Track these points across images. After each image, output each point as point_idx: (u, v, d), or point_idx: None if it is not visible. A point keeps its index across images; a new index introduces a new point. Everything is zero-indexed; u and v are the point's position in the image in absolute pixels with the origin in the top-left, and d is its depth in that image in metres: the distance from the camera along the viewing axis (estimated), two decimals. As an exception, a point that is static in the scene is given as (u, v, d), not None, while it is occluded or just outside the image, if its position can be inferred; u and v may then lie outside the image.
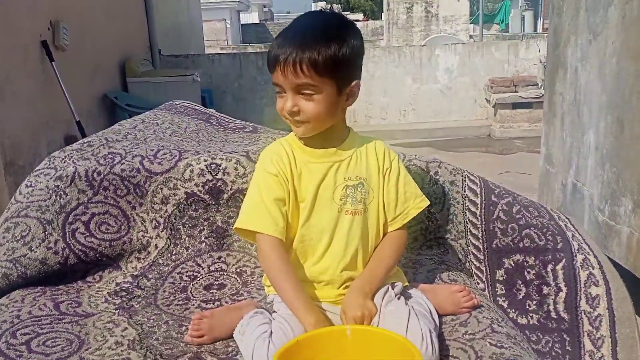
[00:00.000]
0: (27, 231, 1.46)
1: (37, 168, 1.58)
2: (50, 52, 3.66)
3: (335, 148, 1.20)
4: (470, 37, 11.54)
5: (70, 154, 1.60)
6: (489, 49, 6.91)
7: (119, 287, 1.47)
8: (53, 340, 1.20)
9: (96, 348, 1.19)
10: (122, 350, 1.18)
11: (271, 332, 1.05)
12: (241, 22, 21.81)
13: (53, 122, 3.85)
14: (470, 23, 12.82)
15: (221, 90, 6.70)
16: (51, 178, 1.53)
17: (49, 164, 1.57)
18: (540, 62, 6.32)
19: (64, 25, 3.85)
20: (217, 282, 1.48)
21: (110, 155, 1.59)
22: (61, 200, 1.51)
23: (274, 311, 1.17)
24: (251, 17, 25.59)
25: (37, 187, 1.52)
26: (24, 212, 1.49)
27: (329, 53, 1.10)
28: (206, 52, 8.90)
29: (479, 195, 1.56)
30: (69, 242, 1.48)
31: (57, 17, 3.85)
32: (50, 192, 1.51)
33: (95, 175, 1.54)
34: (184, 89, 5.09)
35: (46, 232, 1.47)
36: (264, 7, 30.48)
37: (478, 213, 1.54)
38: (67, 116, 3.94)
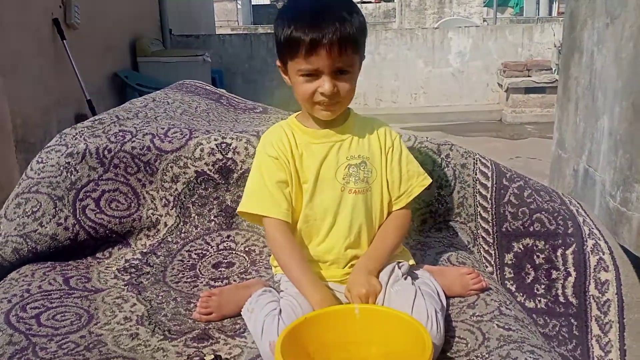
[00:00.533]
0: (38, 207, 1.47)
1: (48, 144, 1.59)
2: (61, 30, 3.66)
3: (336, 128, 1.20)
4: (484, 20, 11.39)
5: (81, 131, 1.61)
6: (503, 32, 6.82)
7: (128, 264, 1.48)
8: (62, 315, 1.22)
9: (105, 323, 1.20)
10: (130, 326, 1.19)
11: (280, 310, 1.06)
12: (252, 3, 21.63)
13: (64, 100, 3.86)
14: (484, 6, 12.64)
15: (231, 71, 6.68)
16: (62, 155, 1.54)
17: (60, 141, 1.58)
18: (555, 46, 6.23)
19: (75, 3, 3.84)
20: (225, 261, 1.49)
21: (121, 133, 1.59)
22: (72, 176, 1.52)
23: (282, 290, 1.18)
24: (262, -2, 25.37)
25: (48, 163, 1.53)
26: (34, 188, 1.50)
27: (359, 27, 1.09)
28: (217, 33, 8.85)
29: (490, 179, 1.55)
30: (79, 218, 1.49)
31: (68, -5, 3.83)
32: (61, 168, 1.52)
33: (105, 152, 1.54)
34: (195, 69, 5.07)
35: (57, 208, 1.48)
36: (275, -12, 30.18)
37: (489, 196, 1.53)
38: (78, 95, 3.95)
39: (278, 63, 1.18)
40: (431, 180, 1.28)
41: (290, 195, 1.18)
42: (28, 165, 1.57)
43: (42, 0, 3.61)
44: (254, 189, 1.20)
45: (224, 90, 2.46)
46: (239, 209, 1.22)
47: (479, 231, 1.55)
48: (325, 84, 1.08)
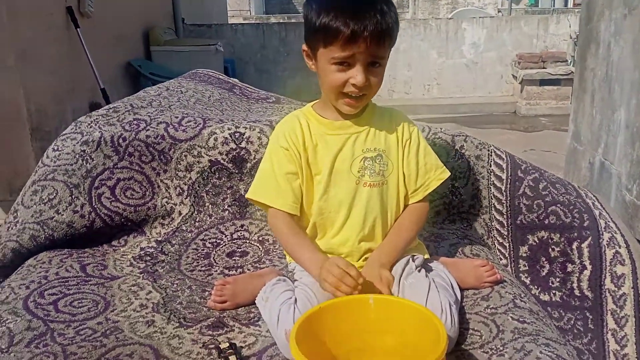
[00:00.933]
0: (55, 194, 1.48)
1: (63, 132, 1.60)
2: (75, 18, 3.66)
3: (353, 119, 1.18)
4: (499, 11, 11.26)
5: (96, 119, 1.62)
6: (518, 23, 6.74)
7: (143, 252, 1.49)
8: (79, 301, 1.23)
9: (121, 310, 1.21)
10: (146, 313, 1.20)
11: (296, 299, 1.06)
12: (264, -8, 21.54)
13: (78, 89, 3.88)
14: (499, -4, 12.49)
15: (244, 61, 6.67)
16: (77, 142, 1.55)
17: (75, 129, 1.59)
18: (571, 37, 6.15)
19: (89, -8, 3.85)
20: (239, 250, 1.50)
21: (135, 122, 1.60)
22: (87, 164, 1.53)
23: (296, 279, 1.18)
24: (275, -12, 25.23)
25: (64, 151, 1.54)
26: (51, 176, 1.51)
27: (395, 20, 1.08)
28: (229, 22, 8.83)
29: (504, 171, 1.53)
30: (95, 206, 1.51)
31: (82, -17, 3.84)
32: (77, 156, 1.53)
33: (120, 140, 1.55)
34: (207, 58, 5.06)
35: (73, 196, 1.49)
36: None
37: (503, 188, 1.52)
38: (91, 83, 3.96)
39: (305, 47, 1.16)
40: (449, 174, 1.26)
41: (300, 188, 1.17)
42: (43, 153, 1.58)
43: (57, -11, 3.62)
44: (263, 178, 1.20)
45: (236, 80, 2.46)
46: (247, 194, 1.23)
47: (493, 223, 1.55)
48: (358, 75, 1.07)
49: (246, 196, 1.24)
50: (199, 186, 1.59)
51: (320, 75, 1.14)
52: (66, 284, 1.29)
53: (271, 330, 1.07)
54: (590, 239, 1.37)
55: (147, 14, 5.27)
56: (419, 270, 1.15)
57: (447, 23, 6.92)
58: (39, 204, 1.47)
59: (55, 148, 1.56)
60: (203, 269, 1.41)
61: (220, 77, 2.39)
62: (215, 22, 7.45)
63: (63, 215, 1.47)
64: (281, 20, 11.00)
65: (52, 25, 3.59)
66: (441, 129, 1.63)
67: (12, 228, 1.46)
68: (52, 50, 3.56)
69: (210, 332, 1.13)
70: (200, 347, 1.07)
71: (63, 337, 1.10)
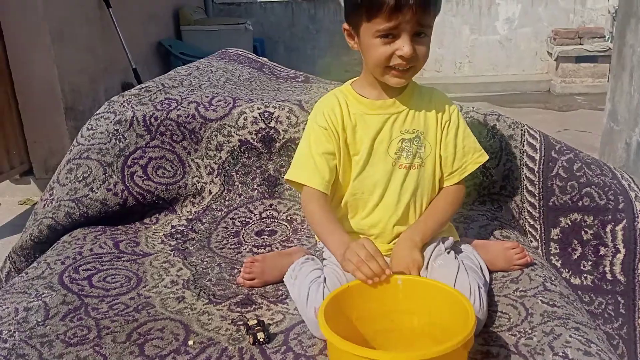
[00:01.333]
0: (89, 173, 1.52)
1: (97, 112, 1.63)
2: (107, -2, 3.71)
3: (393, 99, 1.16)
4: (534, -15, 10.90)
5: (129, 98, 1.64)
6: (554, -3, 6.51)
7: (174, 230, 1.52)
8: (113, 277, 1.27)
9: (153, 285, 1.24)
10: (177, 289, 1.23)
11: (325, 278, 1.07)
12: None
13: (111, 68, 3.93)
14: (535, -30, 12.09)
15: (273, 39, 6.64)
16: (111, 122, 1.58)
17: (109, 108, 1.62)
18: (609, 12, 5.92)
19: (120, -29, 3.88)
20: (268, 229, 1.51)
21: (166, 101, 1.62)
22: (120, 143, 1.56)
23: (324, 258, 1.19)
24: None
25: (98, 130, 1.57)
26: (85, 155, 1.54)
27: None
28: (258, 0, 8.80)
29: (538, 151, 1.50)
30: (128, 184, 1.54)
31: (112, -38, 3.87)
32: (110, 135, 1.56)
33: (152, 120, 1.57)
34: (237, 37, 5.07)
35: (106, 174, 1.53)
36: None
37: (536, 169, 1.49)
38: (123, 63, 4.01)
39: (345, 26, 1.14)
40: (487, 157, 1.23)
41: (337, 168, 1.16)
42: (78, 132, 1.61)
43: (88, -32, 3.66)
44: (300, 157, 1.19)
45: (266, 59, 2.46)
46: (286, 176, 1.22)
47: (524, 205, 1.52)
48: (405, 46, 1.04)
49: (285, 177, 1.24)
50: (228, 165, 1.61)
51: (364, 52, 1.11)
52: (100, 260, 1.33)
53: (299, 308, 1.09)
54: (625, 221, 1.34)
55: (177, -8, 5.29)
56: (448, 252, 1.15)
57: (481, -2, 6.74)
58: (74, 182, 1.51)
59: (89, 127, 1.59)
60: (232, 247, 1.43)
61: (250, 56, 2.39)
62: (244, 0, 7.43)
63: (97, 193, 1.50)
64: (310, -2, 10.90)
65: (84, 5, 3.64)
66: (473, 108, 1.60)
67: (47, 205, 1.51)
68: (85, 30, 3.62)
69: (238, 309, 1.15)
70: (229, 324, 1.10)
71: (97, 311, 1.14)
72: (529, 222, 1.51)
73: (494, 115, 1.57)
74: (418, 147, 1.16)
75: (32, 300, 1.16)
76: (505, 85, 6.25)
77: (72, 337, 1.05)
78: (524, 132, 1.54)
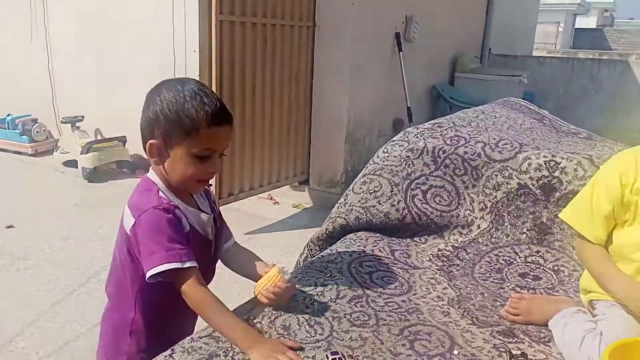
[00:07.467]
0: (379, 188, 1.76)
1: (393, 139, 1.88)
2: (400, 43, 4.12)
3: None
4: None
5: (423, 131, 1.85)
6: None
7: (440, 253, 1.65)
8: (389, 279, 1.45)
9: (421, 295, 1.39)
10: (442, 304, 1.35)
11: (601, 332, 1.08)
12: (575, 26, 20.20)
13: (388, 105, 4.35)
14: None
15: (544, 94, 6.45)
16: (404, 149, 1.80)
17: (404, 137, 1.85)
18: None
19: (415, 20, 4.27)
20: (532, 273, 1.54)
21: (456, 138, 1.78)
22: (409, 168, 1.77)
23: (596, 314, 1.18)
24: (588, 22, 23.46)
25: (392, 154, 1.81)
26: (378, 172, 1.79)
27: None
28: (533, 55, 8.62)
29: None
30: (409, 204, 1.73)
31: (411, 12, 4.29)
32: (402, 160, 1.78)
33: (440, 152, 1.75)
34: (508, 88, 5.08)
35: (392, 192, 1.75)
36: (605, 11, 27.49)
37: None
38: (400, 101, 4.39)
39: None
40: None
41: (612, 224, 1.16)
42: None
43: (391, 16, 4.13)
44: (579, 202, 1.22)
45: (546, 112, 2.46)
46: (560, 213, 1.27)
47: None
48: None
49: (559, 215, 1.28)
50: (502, 205, 1.69)
51: None
52: (379, 261, 1.53)
53: (566, 353, 1.10)
54: None
55: (458, 42, 5.56)
56: None
57: None
58: (366, 193, 1.77)
59: (385, 151, 1.84)
60: (495, 281, 1.50)
61: (531, 107, 2.43)
62: (519, 53, 7.38)
63: (383, 206, 1.73)
64: (590, 56, 10.21)
65: (382, 48, 4.11)
66: None
67: (341, 207, 1.79)
68: (377, 69, 4.08)
69: (500, 337, 1.21)
70: (491, 347, 1.17)
71: (375, 303, 1.32)
72: None
73: None
74: None
75: (327, 279, 1.40)
76: None
77: (356, 319, 1.25)
78: None
